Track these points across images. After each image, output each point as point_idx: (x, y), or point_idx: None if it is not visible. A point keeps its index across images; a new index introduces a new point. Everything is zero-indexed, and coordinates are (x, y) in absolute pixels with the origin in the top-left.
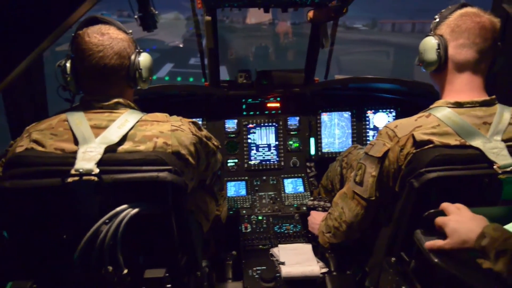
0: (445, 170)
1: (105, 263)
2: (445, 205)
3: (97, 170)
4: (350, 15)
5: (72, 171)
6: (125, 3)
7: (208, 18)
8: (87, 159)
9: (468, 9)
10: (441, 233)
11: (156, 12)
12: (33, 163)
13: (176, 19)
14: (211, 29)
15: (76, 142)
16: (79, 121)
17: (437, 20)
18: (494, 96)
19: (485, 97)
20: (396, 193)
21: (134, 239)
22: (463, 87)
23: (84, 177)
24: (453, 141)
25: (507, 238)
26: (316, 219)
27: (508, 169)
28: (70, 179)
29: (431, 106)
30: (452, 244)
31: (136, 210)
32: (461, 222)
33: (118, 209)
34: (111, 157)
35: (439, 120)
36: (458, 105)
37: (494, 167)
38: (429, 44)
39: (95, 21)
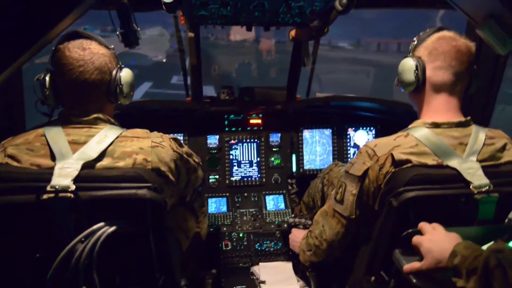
0: (423, 189)
1: (80, 283)
2: (421, 225)
3: (73, 187)
4: (335, 34)
5: (48, 188)
6: (108, 18)
7: (191, 34)
8: (64, 175)
9: (445, 33)
10: (419, 253)
11: (138, 29)
12: (7, 178)
13: (161, 34)
14: (194, 45)
15: (53, 158)
16: (56, 136)
17: (415, 42)
18: (469, 117)
19: (461, 118)
20: (376, 212)
21: (110, 258)
22: (440, 107)
23: (60, 194)
24: (430, 160)
25: (477, 256)
26: (297, 236)
27: (483, 189)
28: (45, 196)
29: (409, 126)
30: (427, 264)
31: (113, 228)
32: (434, 241)
33: (94, 227)
34: (88, 174)
35: (417, 140)
36: (435, 125)
37: (470, 187)
38: (407, 65)
39: (77, 35)
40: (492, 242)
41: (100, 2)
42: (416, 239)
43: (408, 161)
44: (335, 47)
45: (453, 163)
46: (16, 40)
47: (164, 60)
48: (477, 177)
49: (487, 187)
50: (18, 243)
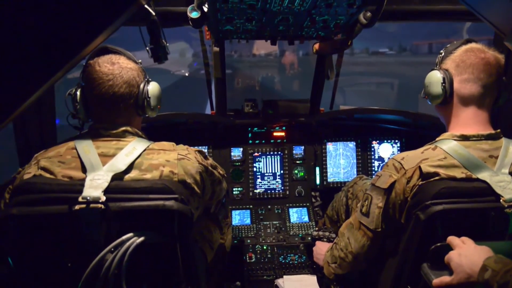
0: (451, 202)
1: None
2: (450, 239)
3: (104, 198)
4: (373, 39)
5: (80, 199)
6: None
7: (216, 49)
8: (95, 186)
9: (473, 45)
10: (448, 267)
11: (167, 44)
12: (41, 190)
13: (184, 49)
14: (219, 59)
15: (84, 170)
16: (87, 149)
17: (443, 54)
18: (499, 130)
19: (490, 130)
20: (402, 225)
21: (138, 267)
22: (468, 120)
23: (91, 205)
24: (459, 173)
25: (508, 270)
26: (321, 249)
27: None
28: (77, 207)
29: (437, 139)
30: (458, 279)
31: (141, 238)
32: (464, 255)
33: (123, 237)
34: (118, 185)
35: (445, 152)
36: (464, 138)
37: (501, 200)
38: (435, 78)
39: (106, 51)
40: None
41: (131, 19)
42: (447, 255)
43: (436, 174)
44: (375, 53)
45: (483, 175)
46: (51, 58)
47: (187, 74)
48: (508, 191)
49: None
50: (51, 253)
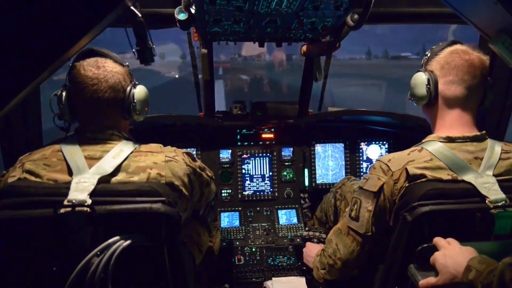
0: (438, 204)
1: None
2: (436, 240)
3: (90, 201)
4: (398, 43)
5: (65, 202)
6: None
7: (204, 51)
8: (80, 189)
9: (458, 47)
10: (434, 268)
11: (154, 46)
12: (25, 193)
13: (173, 50)
14: (207, 61)
15: (70, 173)
16: (73, 151)
17: (428, 56)
18: (484, 132)
19: (475, 132)
20: (390, 228)
21: (125, 271)
22: (453, 122)
23: (77, 208)
24: (445, 175)
25: (491, 270)
26: (311, 251)
27: (499, 204)
28: (62, 210)
29: (423, 140)
30: (443, 280)
31: (128, 242)
32: (449, 256)
33: (110, 240)
34: (104, 188)
35: (431, 154)
36: (449, 140)
37: (486, 201)
38: (420, 79)
39: (92, 53)
40: None
41: (117, 20)
42: (432, 256)
43: (423, 175)
44: (397, 57)
45: (469, 177)
46: (35, 59)
47: (177, 76)
48: (493, 192)
49: (504, 202)
50: (36, 257)
